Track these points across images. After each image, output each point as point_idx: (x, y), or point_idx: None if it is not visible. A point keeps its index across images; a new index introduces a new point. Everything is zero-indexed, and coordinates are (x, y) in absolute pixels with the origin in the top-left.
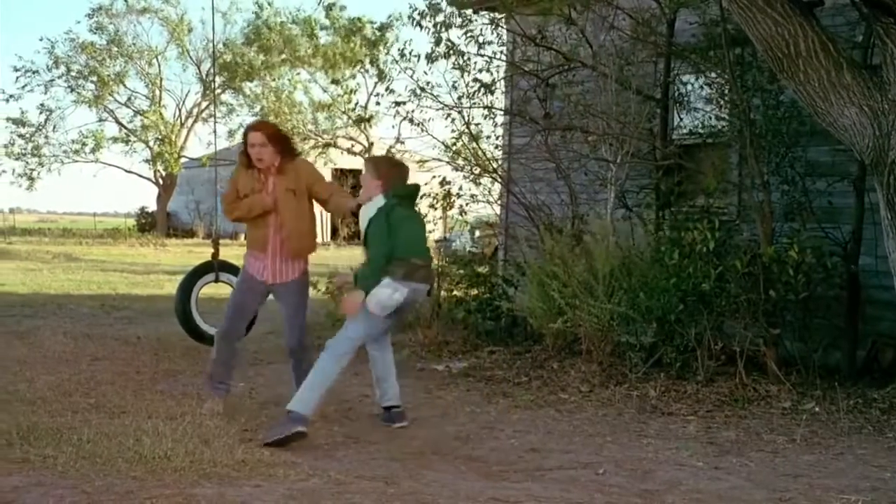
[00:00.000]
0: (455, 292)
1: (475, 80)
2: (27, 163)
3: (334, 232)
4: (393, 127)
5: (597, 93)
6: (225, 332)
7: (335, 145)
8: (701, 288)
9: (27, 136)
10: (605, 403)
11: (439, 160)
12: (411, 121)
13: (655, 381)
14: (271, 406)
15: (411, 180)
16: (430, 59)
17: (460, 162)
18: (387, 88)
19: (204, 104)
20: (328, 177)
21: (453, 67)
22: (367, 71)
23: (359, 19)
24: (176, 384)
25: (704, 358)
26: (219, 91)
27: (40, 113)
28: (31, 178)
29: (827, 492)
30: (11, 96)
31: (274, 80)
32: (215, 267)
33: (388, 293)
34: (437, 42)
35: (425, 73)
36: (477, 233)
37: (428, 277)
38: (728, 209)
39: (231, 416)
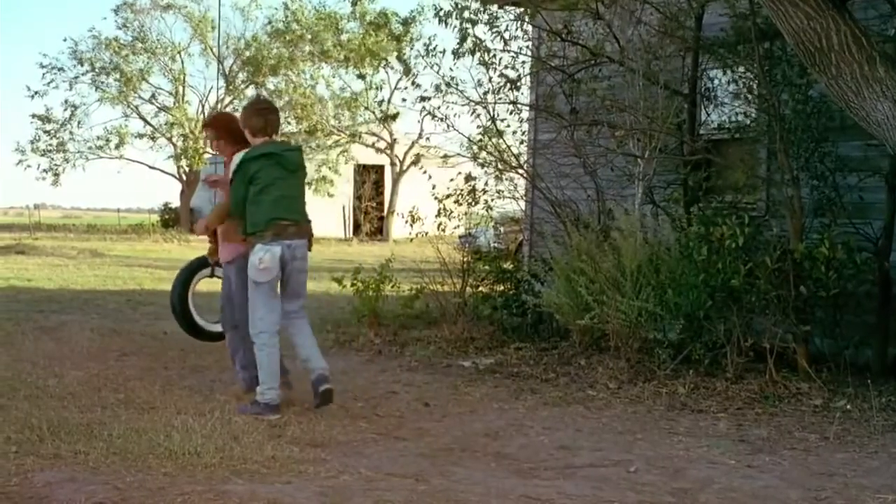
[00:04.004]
0: (481, 288)
1: (501, 75)
2: (52, 158)
3: (356, 227)
4: (418, 122)
5: (624, 88)
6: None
7: (360, 139)
8: (730, 284)
9: (52, 132)
10: (633, 400)
11: (460, 155)
12: (435, 116)
13: (684, 378)
14: (299, 402)
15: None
16: (456, 54)
17: (485, 157)
18: (413, 83)
19: (227, 100)
20: (350, 173)
21: (479, 63)
22: (391, 67)
23: (386, 14)
24: (203, 380)
25: (733, 355)
26: (242, 87)
27: (65, 109)
28: (56, 174)
29: (862, 491)
30: (37, 93)
31: (297, 74)
32: (211, 261)
33: (260, 256)
34: (463, 38)
35: (451, 69)
36: (501, 229)
37: (302, 233)
38: (756, 205)
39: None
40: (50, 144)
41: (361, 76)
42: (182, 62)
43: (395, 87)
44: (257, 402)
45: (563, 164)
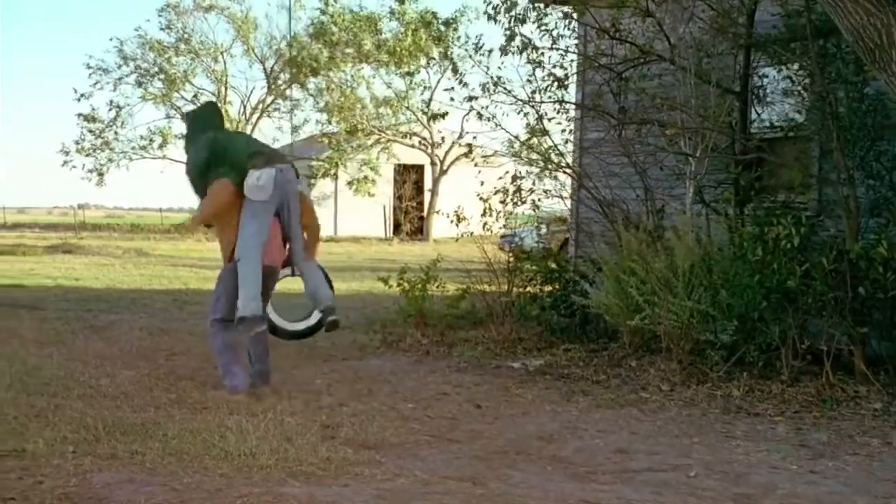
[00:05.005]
0: (528, 289)
1: (550, 74)
2: (97, 158)
3: (397, 227)
4: (465, 121)
5: (674, 86)
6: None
7: (410, 138)
8: (786, 285)
9: (97, 132)
10: (688, 403)
11: (503, 155)
12: (482, 115)
13: (738, 381)
14: (350, 403)
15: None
16: (505, 52)
17: (532, 156)
18: (460, 82)
19: (269, 100)
20: (390, 173)
21: (527, 62)
22: (437, 64)
23: (432, 13)
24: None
25: (789, 357)
26: (284, 87)
27: (109, 109)
28: (100, 174)
29: None
30: (83, 95)
31: (337, 75)
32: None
33: (256, 175)
34: (511, 37)
35: (499, 67)
36: (543, 228)
37: (284, 158)
38: (808, 204)
39: (312, 414)
40: (94, 144)
41: (409, 73)
42: (224, 63)
43: (436, 87)
44: (242, 317)
45: (611, 164)
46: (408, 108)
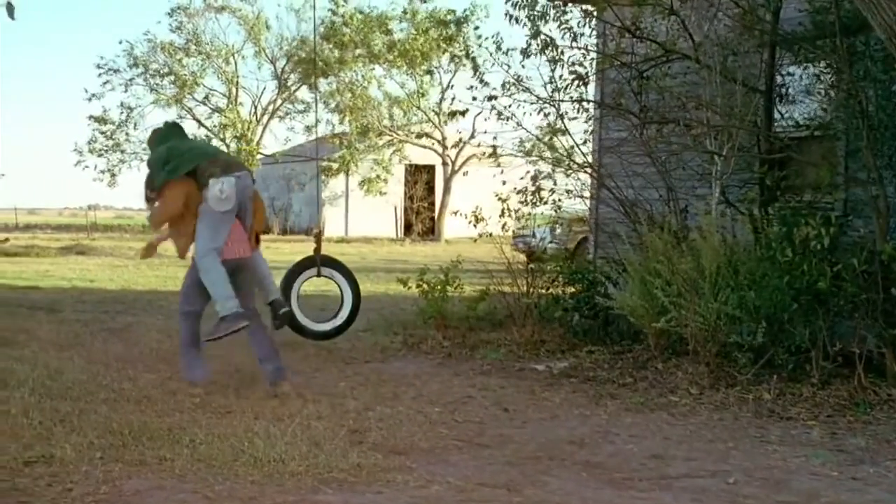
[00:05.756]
0: (551, 290)
1: (571, 72)
2: (108, 159)
3: (408, 228)
4: (486, 119)
5: (697, 85)
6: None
7: (425, 138)
8: (817, 287)
9: (108, 133)
10: (718, 407)
11: (522, 155)
12: (502, 115)
13: (768, 384)
14: (376, 407)
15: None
16: (526, 53)
17: (552, 156)
18: (480, 81)
19: (279, 101)
20: (401, 173)
21: (548, 61)
22: (451, 64)
23: (451, 10)
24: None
25: (819, 359)
26: (294, 88)
27: (121, 112)
28: (112, 175)
29: None
30: (94, 95)
31: (348, 75)
32: (318, 262)
33: (218, 187)
34: (535, 35)
35: (522, 65)
36: (559, 228)
37: (242, 166)
38: (835, 204)
39: (339, 419)
40: (106, 145)
41: (429, 72)
42: (235, 64)
43: (447, 86)
44: (223, 317)
45: (633, 164)
46: (419, 108)
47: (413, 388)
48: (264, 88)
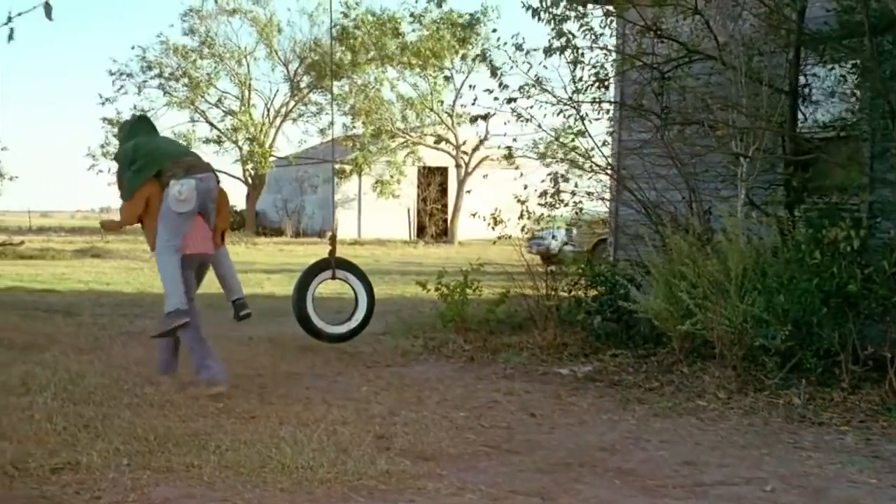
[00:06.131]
0: (573, 293)
1: (595, 74)
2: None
3: (421, 230)
4: (505, 123)
5: (720, 85)
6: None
7: (440, 142)
8: (847, 289)
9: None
10: (747, 412)
11: (534, 157)
12: (520, 116)
13: (797, 388)
14: (401, 411)
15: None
16: (548, 51)
17: (571, 157)
18: (500, 84)
19: (292, 104)
20: (414, 175)
21: (568, 62)
22: (469, 64)
23: (463, 16)
24: (298, 387)
25: (848, 363)
26: (307, 90)
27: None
28: None
29: None
30: (107, 99)
31: (360, 77)
32: (332, 264)
33: (177, 189)
34: (559, 34)
35: (545, 66)
36: (575, 231)
37: (206, 167)
38: (861, 206)
39: (365, 424)
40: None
41: (447, 78)
42: (248, 66)
43: (460, 88)
44: (167, 313)
45: (655, 165)
46: (432, 109)
47: (437, 393)
48: (277, 91)
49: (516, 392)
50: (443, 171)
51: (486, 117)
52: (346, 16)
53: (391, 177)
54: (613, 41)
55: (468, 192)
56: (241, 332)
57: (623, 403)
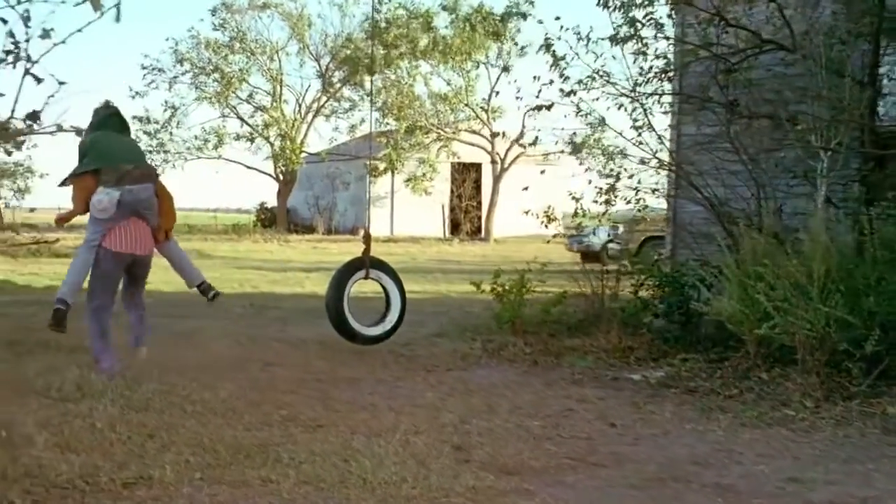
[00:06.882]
0: (639, 293)
1: (661, 68)
2: (152, 160)
3: (455, 227)
4: (565, 116)
5: (793, 77)
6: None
7: (481, 135)
8: None
9: (152, 132)
10: (840, 422)
11: (590, 151)
12: (580, 110)
13: (889, 396)
14: (472, 420)
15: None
16: (615, 40)
17: (632, 153)
18: (561, 76)
19: (323, 99)
20: (447, 171)
21: (632, 53)
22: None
23: (482, 10)
24: (360, 393)
25: None
26: (339, 86)
27: (164, 110)
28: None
29: None
30: (137, 93)
31: (393, 72)
32: (367, 264)
33: (99, 198)
34: (632, 22)
35: (613, 57)
36: (621, 228)
37: (143, 178)
38: None
39: (438, 433)
40: (150, 145)
41: (506, 68)
42: (279, 61)
43: (496, 82)
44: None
45: (725, 161)
46: (467, 104)
47: (506, 400)
48: (308, 86)
49: (590, 399)
50: (477, 168)
51: (549, 107)
52: (377, 11)
53: (423, 175)
54: (676, 31)
55: (525, 189)
56: (289, 333)
57: (705, 412)
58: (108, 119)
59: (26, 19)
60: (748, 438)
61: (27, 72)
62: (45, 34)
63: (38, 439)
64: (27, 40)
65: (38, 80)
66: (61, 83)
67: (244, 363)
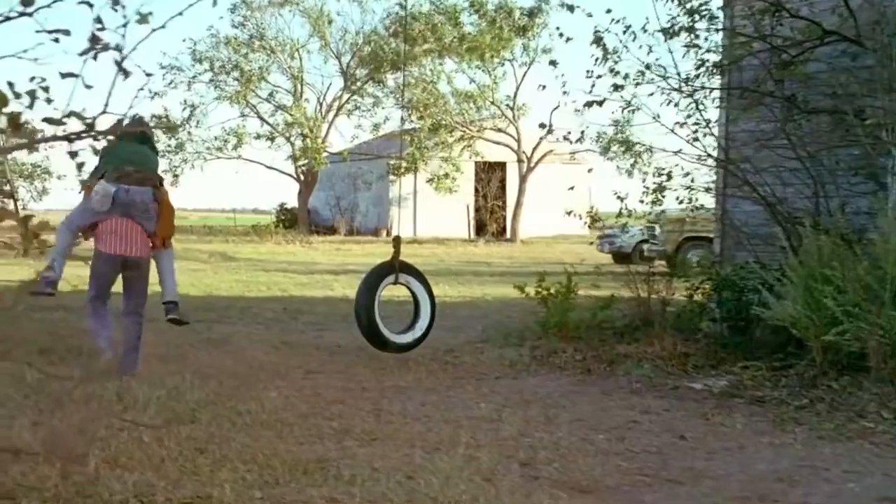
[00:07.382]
0: (695, 297)
1: (716, 63)
2: (171, 160)
3: (480, 227)
4: (612, 112)
5: (848, 70)
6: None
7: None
8: None
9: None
10: None
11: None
12: (628, 104)
13: None
14: (533, 433)
15: None
16: (668, 32)
17: (688, 151)
18: (611, 70)
19: (345, 97)
20: (471, 170)
21: (683, 46)
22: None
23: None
24: (411, 402)
25: None
26: (361, 83)
27: (183, 109)
28: (175, 175)
29: None
30: (157, 93)
31: (419, 69)
32: (396, 268)
33: (96, 189)
34: (690, 13)
35: (669, 50)
36: (657, 229)
37: (142, 181)
38: None
39: (500, 448)
40: (169, 145)
41: (553, 62)
42: (300, 59)
43: (522, 80)
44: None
45: (784, 158)
46: (493, 102)
47: (565, 411)
48: (330, 84)
49: (654, 410)
50: (502, 167)
51: (601, 103)
52: (402, 7)
53: (445, 175)
54: (727, 24)
55: (521, 189)
56: (326, 339)
57: (778, 424)
58: (139, 135)
59: (116, 0)
60: (829, 453)
61: (119, 65)
62: (143, 18)
63: (90, 456)
64: (125, 25)
65: (126, 74)
66: (148, 74)
67: (285, 370)
